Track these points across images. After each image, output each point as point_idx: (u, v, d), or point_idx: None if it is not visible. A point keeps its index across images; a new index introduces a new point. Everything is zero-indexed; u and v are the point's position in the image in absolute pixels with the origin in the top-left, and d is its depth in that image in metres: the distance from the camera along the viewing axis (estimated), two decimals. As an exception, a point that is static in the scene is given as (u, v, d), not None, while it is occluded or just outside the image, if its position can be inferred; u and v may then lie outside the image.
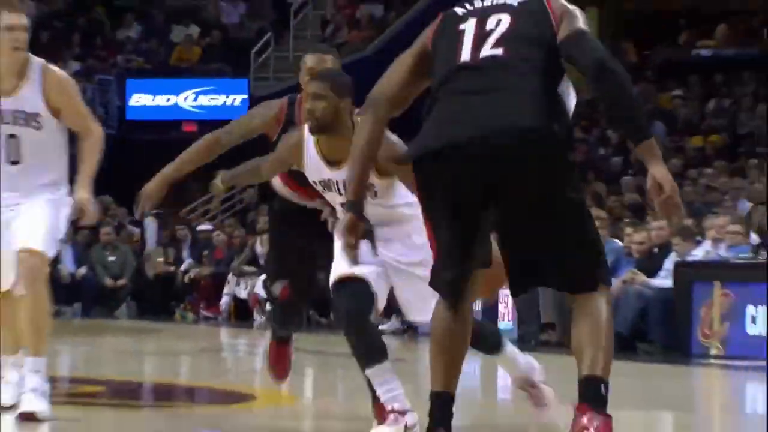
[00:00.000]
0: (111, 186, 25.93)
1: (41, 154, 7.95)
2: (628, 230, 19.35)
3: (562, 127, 5.60)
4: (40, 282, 7.76)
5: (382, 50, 29.02)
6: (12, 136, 7.88)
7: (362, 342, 7.31)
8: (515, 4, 5.75)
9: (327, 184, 7.39)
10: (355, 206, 5.94)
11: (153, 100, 30.92)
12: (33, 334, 7.86)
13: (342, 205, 6.89)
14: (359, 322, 7.31)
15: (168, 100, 31.95)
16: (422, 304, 6.99)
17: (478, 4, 5.80)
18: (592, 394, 5.56)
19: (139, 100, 30.98)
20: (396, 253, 7.49)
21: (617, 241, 18.90)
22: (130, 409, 10.26)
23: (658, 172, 5.49)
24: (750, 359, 15.35)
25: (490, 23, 5.66)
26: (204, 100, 31.06)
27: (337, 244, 7.17)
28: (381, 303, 7.49)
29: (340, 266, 7.25)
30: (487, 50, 5.61)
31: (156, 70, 32.49)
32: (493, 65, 5.59)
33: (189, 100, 30.83)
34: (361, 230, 6.06)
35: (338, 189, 7.28)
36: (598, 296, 5.79)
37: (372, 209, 7.11)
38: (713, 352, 16.34)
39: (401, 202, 7.38)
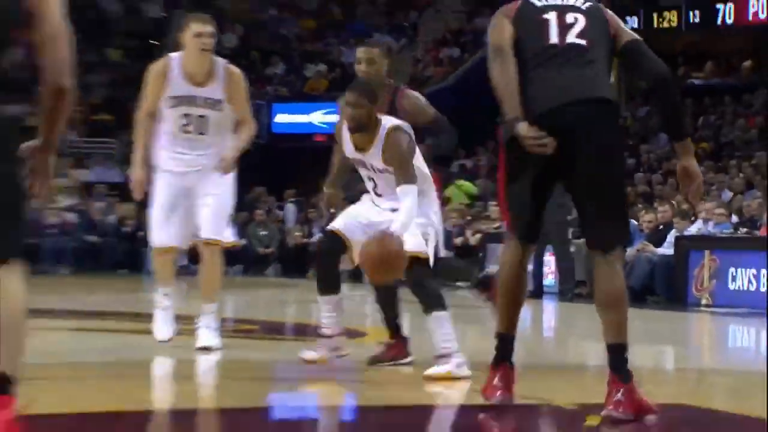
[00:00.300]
0: (263, 181, 26.29)
1: (219, 130, 8.09)
2: (641, 213, 19.27)
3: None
4: (218, 254, 8.24)
5: (457, 81, 28.76)
6: (202, 116, 8.00)
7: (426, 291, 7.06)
8: (583, 7, 5.64)
9: (360, 162, 7.27)
10: None
11: (292, 118, 31.11)
12: (212, 287, 8.31)
13: (369, 177, 7.31)
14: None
15: (303, 118, 31.99)
16: None
17: (550, 1, 5.65)
18: (620, 363, 5.43)
19: (282, 118, 31.19)
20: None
21: (633, 221, 18.54)
22: (277, 341, 10.53)
23: (691, 165, 5.64)
24: (731, 307, 15.38)
25: (569, 18, 5.55)
26: (330, 118, 30.75)
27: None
28: None
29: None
30: (572, 38, 5.51)
31: (294, 96, 32.63)
32: (577, 50, 5.51)
33: (318, 118, 30.91)
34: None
35: (366, 166, 7.25)
36: (616, 259, 5.56)
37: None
38: (704, 302, 16.31)
39: None
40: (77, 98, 4.96)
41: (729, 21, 27.51)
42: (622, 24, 5.85)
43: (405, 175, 7.05)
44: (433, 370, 6.88)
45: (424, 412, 6.38)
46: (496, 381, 5.54)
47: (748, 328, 13.25)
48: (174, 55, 8.09)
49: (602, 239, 5.51)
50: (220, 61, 8.16)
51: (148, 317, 8.66)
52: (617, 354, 5.45)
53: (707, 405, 6.63)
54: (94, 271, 22.66)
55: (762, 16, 26.55)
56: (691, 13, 28.27)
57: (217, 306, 8.52)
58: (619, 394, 5.32)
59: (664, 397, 7.34)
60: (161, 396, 7.00)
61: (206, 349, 8.13)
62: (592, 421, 5.63)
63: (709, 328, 13.80)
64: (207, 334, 8.19)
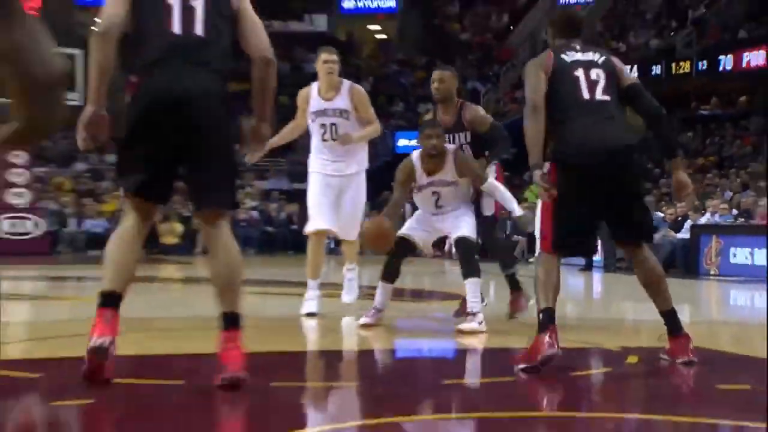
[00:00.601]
0: (388, 188, 25.80)
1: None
2: (664, 208, 19.14)
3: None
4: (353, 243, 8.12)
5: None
6: (333, 124, 7.68)
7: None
8: (600, 62, 5.36)
9: (429, 185, 7.03)
10: None
11: (409, 142, 30.89)
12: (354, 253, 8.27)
13: (433, 193, 7.07)
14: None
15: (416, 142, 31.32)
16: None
17: (578, 56, 5.35)
18: (675, 323, 5.34)
19: (402, 142, 30.52)
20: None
21: (659, 213, 18.45)
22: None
23: (682, 177, 5.48)
24: (732, 277, 15.11)
25: (593, 75, 5.27)
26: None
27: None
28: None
29: None
30: (599, 95, 5.24)
31: (411, 127, 32.48)
32: (604, 104, 5.25)
33: (428, 142, 30.89)
34: None
35: (435, 185, 7.05)
36: (646, 248, 5.44)
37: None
38: (712, 273, 16.02)
39: None
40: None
41: (729, 68, 27.18)
42: (625, 69, 5.65)
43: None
44: (463, 325, 6.73)
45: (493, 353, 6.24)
46: (547, 339, 5.07)
47: (745, 291, 13.01)
48: (314, 82, 7.92)
49: (632, 237, 5.43)
50: (346, 81, 7.89)
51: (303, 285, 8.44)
52: (671, 316, 5.35)
53: (716, 348, 6.54)
54: (271, 253, 22.87)
55: (753, 64, 26.33)
56: (699, 63, 27.96)
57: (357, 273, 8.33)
58: (681, 342, 5.28)
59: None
60: (321, 340, 7.02)
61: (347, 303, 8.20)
62: (632, 359, 5.58)
63: (716, 292, 13.59)
64: (348, 292, 8.32)
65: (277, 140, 7.67)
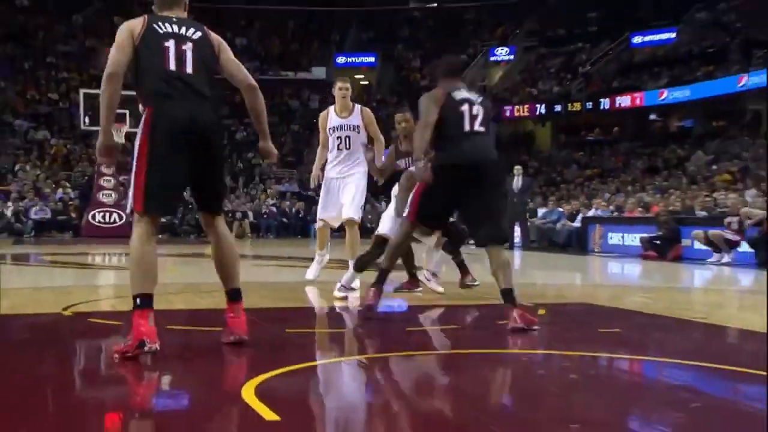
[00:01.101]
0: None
1: (357, 146, 7.16)
2: (564, 204, 18.44)
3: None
4: (356, 229, 7.08)
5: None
6: (348, 136, 7.19)
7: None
8: (479, 102, 5.02)
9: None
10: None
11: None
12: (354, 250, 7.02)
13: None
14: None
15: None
16: None
17: (463, 95, 4.99)
18: (512, 299, 4.74)
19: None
20: None
21: (559, 209, 18.23)
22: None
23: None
24: (609, 253, 14.79)
25: (475, 110, 4.95)
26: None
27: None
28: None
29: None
30: (477, 126, 4.93)
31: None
32: (480, 135, 4.91)
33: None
34: None
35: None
36: (502, 249, 4.90)
37: None
38: (596, 251, 15.86)
39: None
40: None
41: (607, 107, 27.40)
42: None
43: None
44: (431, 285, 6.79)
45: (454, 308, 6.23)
46: (372, 291, 5.14)
47: (618, 263, 13.02)
48: (330, 106, 7.41)
49: (489, 240, 4.89)
50: (356, 103, 7.41)
51: (308, 260, 8.32)
52: (509, 294, 4.78)
53: (598, 303, 6.56)
54: (285, 237, 22.83)
55: (623, 105, 26.70)
56: (587, 103, 28.14)
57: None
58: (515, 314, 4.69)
59: (573, 297, 7.31)
60: (319, 300, 6.78)
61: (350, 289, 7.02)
62: (541, 311, 5.58)
63: (598, 264, 13.55)
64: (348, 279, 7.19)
65: (317, 165, 7.49)
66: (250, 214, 24.11)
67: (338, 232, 7.75)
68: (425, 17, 38.75)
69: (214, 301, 5.43)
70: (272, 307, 5.81)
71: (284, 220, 24.41)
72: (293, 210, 24.96)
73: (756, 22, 27.44)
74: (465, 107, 4.95)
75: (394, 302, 6.30)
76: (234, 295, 4.00)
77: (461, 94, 5.02)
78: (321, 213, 7.44)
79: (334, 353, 4.26)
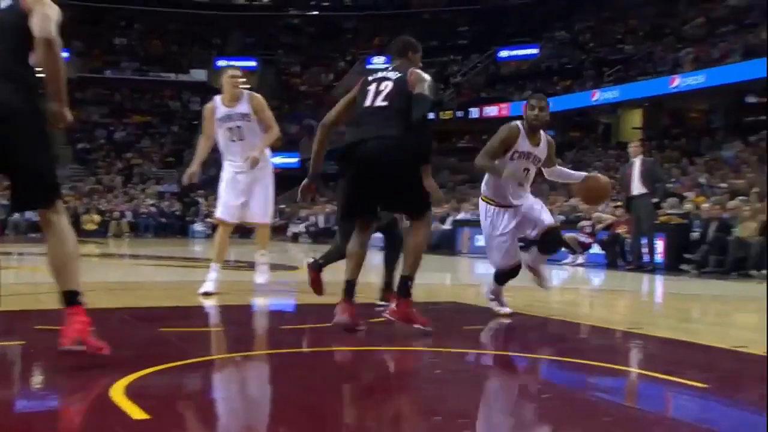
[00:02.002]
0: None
1: (250, 136, 6.41)
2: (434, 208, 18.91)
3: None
4: (266, 227, 6.54)
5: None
6: (238, 126, 6.39)
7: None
8: (393, 77, 4.43)
9: (526, 155, 5.17)
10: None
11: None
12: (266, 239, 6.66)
13: (525, 170, 5.20)
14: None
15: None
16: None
17: (379, 75, 4.47)
18: (406, 288, 4.41)
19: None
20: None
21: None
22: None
23: (430, 183, 4.32)
24: (475, 254, 15.09)
25: (381, 86, 4.40)
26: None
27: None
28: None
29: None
30: (378, 101, 4.38)
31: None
32: (380, 107, 4.34)
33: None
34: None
35: (530, 159, 5.19)
36: (423, 225, 4.46)
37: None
38: (464, 251, 16.09)
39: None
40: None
41: (476, 116, 28.23)
42: (420, 83, 4.41)
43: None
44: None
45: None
46: (339, 306, 4.51)
47: (484, 264, 13.32)
48: (216, 96, 6.60)
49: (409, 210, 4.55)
50: (245, 91, 6.56)
51: (192, 260, 8.07)
52: (404, 282, 4.46)
53: (465, 301, 6.69)
54: (164, 237, 22.19)
55: (491, 114, 27.53)
56: (458, 112, 28.88)
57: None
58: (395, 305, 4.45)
59: (442, 296, 7.42)
60: (194, 298, 6.43)
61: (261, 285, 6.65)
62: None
63: (466, 265, 13.88)
64: (261, 274, 6.76)
65: (197, 162, 6.43)
66: (129, 213, 23.28)
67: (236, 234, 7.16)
68: (306, 24, 38.64)
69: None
70: (147, 306, 5.62)
71: (163, 219, 23.78)
72: (171, 209, 24.36)
73: (607, 42, 28.97)
74: (373, 85, 4.45)
75: (276, 300, 6.23)
76: (67, 298, 3.31)
77: (383, 73, 4.50)
78: (224, 211, 6.50)
79: (207, 352, 4.15)
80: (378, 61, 35.81)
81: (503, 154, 5.14)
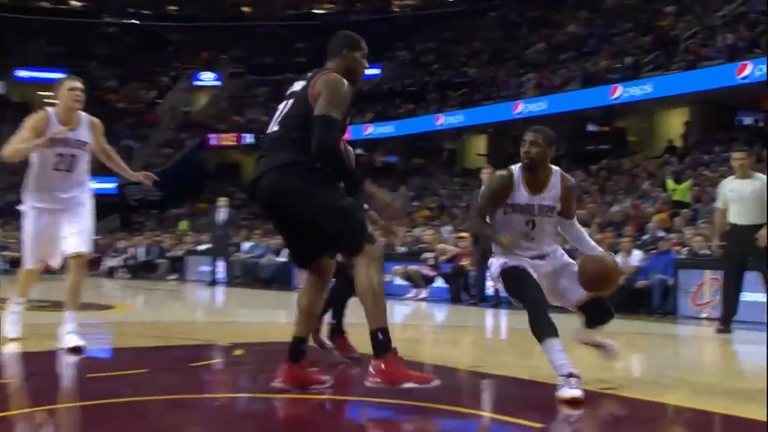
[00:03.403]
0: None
1: (79, 170, 5.69)
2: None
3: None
4: (83, 266, 5.61)
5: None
6: (73, 155, 5.62)
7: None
8: (297, 89, 3.95)
9: (526, 208, 4.33)
10: None
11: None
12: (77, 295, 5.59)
13: (527, 222, 4.35)
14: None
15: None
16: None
17: (291, 89, 4.02)
18: (377, 344, 3.72)
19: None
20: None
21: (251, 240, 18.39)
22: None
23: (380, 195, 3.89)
24: None
25: (284, 104, 3.97)
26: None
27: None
28: None
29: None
30: (273, 125, 3.93)
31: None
32: (272, 134, 3.90)
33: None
34: None
35: (532, 211, 4.34)
36: (366, 263, 3.77)
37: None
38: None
39: None
40: None
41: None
42: (324, 97, 3.85)
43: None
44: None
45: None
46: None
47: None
48: (50, 108, 5.71)
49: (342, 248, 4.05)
50: (82, 113, 5.78)
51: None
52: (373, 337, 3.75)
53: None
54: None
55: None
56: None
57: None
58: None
59: (276, 336, 7.37)
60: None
61: (76, 350, 5.39)
62: (238, 352, 5.52)
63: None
64: (74, 337, 5.46)
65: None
66: None
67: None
68: (124, 34, 37.59)
69: None
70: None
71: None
72: None
73: (451, 65, 30.21)
74: (282, 104, 4.01)
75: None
76: None
77: (295, 86, 4.04)
78: (32, 258, 5.78)
79: (4, 406, 3.90)
80: (207, 77, 35.46)
81: (493, 207, 4.41)
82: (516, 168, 4.40)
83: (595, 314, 4.39)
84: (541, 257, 4.37)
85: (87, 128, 5.75)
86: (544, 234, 4.39)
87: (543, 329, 4.00)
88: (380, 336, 3.68)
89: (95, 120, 5.85)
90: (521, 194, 4.36)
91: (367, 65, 4.15)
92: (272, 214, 3.93)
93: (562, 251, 4.46)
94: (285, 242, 4.09)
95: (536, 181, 4.37)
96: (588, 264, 4.25)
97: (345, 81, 3.87)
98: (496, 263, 4.40)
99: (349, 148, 5.08)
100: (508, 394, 4.38)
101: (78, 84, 5.75)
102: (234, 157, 32.87)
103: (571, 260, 4.42)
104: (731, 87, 19.21)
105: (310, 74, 3.97)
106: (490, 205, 4.41)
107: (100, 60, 36.35)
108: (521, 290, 4.18)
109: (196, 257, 19.82)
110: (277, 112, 3.96)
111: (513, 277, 4.23)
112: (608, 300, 4.38)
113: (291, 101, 3.93)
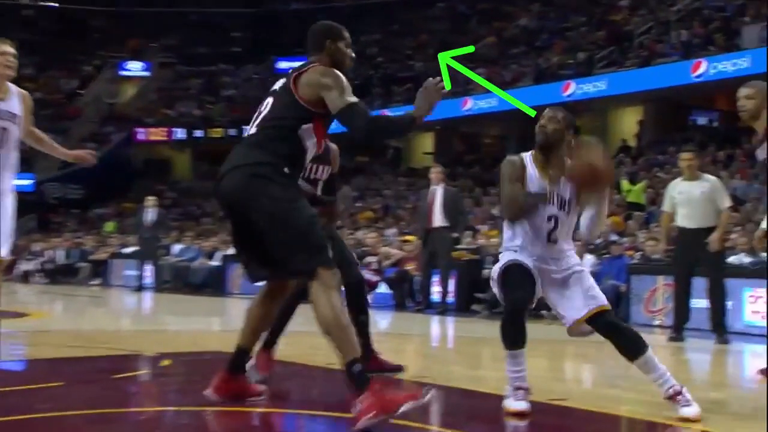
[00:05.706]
0: None
1: (10, 146, 5.13)
2: (202, 240, 18.42)
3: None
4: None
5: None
6: (4, 128, 5.09)
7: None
8: (277, 88, 3.89)
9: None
10: None
11: None
12: None
13: (549, 219, 4.05)
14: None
15: None
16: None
17: (275, 87, 3.93)
18: (352, 377, 3.51)
19: None
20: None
21: (194, 245, 18.28)
22: None
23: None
24: (248, 295, 15.08)
25: (263, 106, 3.89)
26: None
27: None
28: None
29: None
30: (252, 128, 3.87)
31: None
32: (247, 139, 3.85)
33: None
34: None
35: (553, 202, 4.04)
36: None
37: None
38: (235, 292, 15.90)
39: None
40: None
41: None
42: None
43: None
44: None
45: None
46: None
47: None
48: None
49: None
50: (11, 84, 5.28)
51: None
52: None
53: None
54: None
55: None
56: (230, 130, 28.74)
57: None
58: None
59: (207, 345, 7.31)
60: None
61: None
62: (166, 362, 5.45)
63: (238, 307, 13.73)
64: None
65: None
66: None
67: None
68: (42, 18, 36.85)
69: None
70: None
71: None
72: None
73: (396, 58, 30.31)
74: (261, 105, 3.90)
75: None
76: None
77: (276, 85, 3.94)
78: None
79: None
80: (134, 66, 34.95)
81: (522, 184, 4.09)
82: (527, 155, 4.14)
83: (622, 341, 3.99)
84: (556, 261, 4.09)
85: (18, 101, 5.27)
86: (565, 235, 4.11)
87: (511, 338, 3.97)
88: (356, 368, 3.49)
89: (25, 93, 5.37)
90: (536, 182, 4.05)
91: (353, 54, 4.09)
92: (230, 215, 3.81)
93: (574, 253, 4.21)
94: (238, 251, 3.96)
95: (552, 167, 4.05)
96: (576, 164, 3.96)
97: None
98: (501, 261, 4.14)
99: (332, 145, 5.01)
100: (455, 406, 4.42)
101: (10, 49, 5.30)
102: (164, 153, 32.50)
103: (581, 266, 4.15)
104: (686, 85, 19.65)
105: (290, 71, 3.88)
106: (517, 182, 4.04)
107: (16, 46, 35.59)
108: (510, 286, 4.03)
109: (121, 261, 19.53)
110: (256, 114, 3.87)
111: (512, 270, 4.03)
112: (611, 313, 4.03)
113: (270, 101, 3.85)
